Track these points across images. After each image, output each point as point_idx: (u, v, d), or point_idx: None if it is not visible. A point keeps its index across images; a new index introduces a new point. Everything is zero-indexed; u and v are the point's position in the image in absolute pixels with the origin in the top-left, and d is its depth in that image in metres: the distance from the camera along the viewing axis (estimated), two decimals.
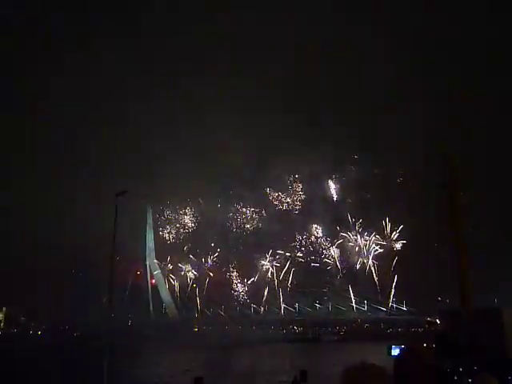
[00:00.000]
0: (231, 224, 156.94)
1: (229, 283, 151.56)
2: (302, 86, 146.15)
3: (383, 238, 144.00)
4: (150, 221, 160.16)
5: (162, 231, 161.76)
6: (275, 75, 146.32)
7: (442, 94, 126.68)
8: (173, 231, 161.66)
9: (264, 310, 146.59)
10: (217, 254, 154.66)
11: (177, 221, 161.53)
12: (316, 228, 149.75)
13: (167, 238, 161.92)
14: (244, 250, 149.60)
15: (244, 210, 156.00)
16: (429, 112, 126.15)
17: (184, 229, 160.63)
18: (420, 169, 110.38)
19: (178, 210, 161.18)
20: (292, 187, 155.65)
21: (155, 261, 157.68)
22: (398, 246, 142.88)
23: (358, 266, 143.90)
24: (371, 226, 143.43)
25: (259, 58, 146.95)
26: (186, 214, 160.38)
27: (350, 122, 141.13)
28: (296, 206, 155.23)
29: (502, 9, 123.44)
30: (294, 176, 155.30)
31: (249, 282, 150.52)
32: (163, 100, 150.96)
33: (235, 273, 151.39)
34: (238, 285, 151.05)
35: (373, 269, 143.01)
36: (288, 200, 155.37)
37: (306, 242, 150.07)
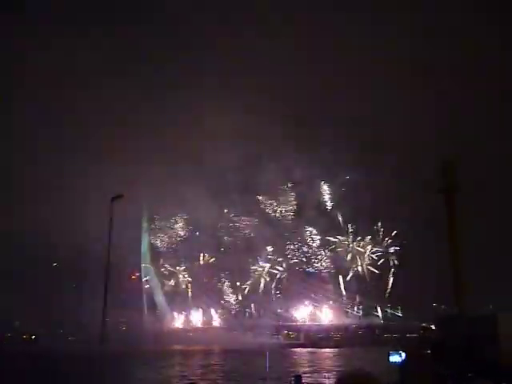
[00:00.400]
0: (224, 229, 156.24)
1: (222, 288, 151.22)
2: (299, 86, 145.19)
3: (378, 243, 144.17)
4: (144, 225, 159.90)
5: (155, 239, 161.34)
6: (275, 75, 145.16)
7: (441, 93, 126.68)
8: (165, 239, 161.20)
9: (258, 314, 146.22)
10: (210, 260, 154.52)
11: (169, 228, 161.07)
12: (310, 233, 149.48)
13: (160, 246, 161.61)
14: (237, 256, 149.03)
15: (236, 216, 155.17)
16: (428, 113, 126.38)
17: (176, 237, 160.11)
18: (417, 172, 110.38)
19: (169, 218, 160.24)
20: (285, 197, 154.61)
21: (150, 265, 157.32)
22: (393, 251, 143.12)
23: (352, 272, 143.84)
24: (366, 231, 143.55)
25: (258, 58, 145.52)
26: (176, 222, 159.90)
27: (347, 124, 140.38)
28: (289, 212, 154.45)
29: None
30: (287, 185, 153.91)
31: (243, 287, 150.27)
32: (157, 100, 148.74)
33: (228, 279, 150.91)
34: (231, 290, 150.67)
35: (368, 274, 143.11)
36: (281, 208, 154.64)
37: (299, 248, 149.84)
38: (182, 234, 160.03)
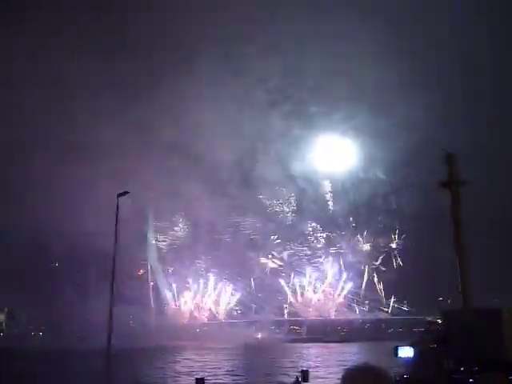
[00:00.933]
0: (224, 229, 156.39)
1: (225, 284, 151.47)
2: (300, 87, 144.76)
3: (383, 237, 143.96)
4: (150, 221, 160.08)
5: (158, 237, 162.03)
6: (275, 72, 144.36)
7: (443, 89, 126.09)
8: (168, 237, 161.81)
9: (262, 309, 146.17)
10: (212, 257, 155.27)
11: (170, 228, 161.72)
12: (312, 228, 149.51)
13: (162, 243, 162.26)
14: (239, 252, 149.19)
15: (237, 217, 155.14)
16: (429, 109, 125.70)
17: (179, 235, 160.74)
18: (421, 168, 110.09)
19: (171, 216, 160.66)
20: (286, 199, 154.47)
21: (157, 262, 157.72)
22: (397, 246, 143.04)
23: (357, 267, 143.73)
24: (371, 225, 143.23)
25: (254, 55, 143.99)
26: (178, 220, 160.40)
27: (346, 118, 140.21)
28: (290, 209, 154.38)
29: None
30: (287, 187, 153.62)
31: (246, 283, 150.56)
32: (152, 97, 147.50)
33: (230, 275, 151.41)
34: (235, 286, 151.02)
35: (373, 269, 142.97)
36: (283, 208, 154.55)
37: (302, 243, 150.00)
38: (183, 232, 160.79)
